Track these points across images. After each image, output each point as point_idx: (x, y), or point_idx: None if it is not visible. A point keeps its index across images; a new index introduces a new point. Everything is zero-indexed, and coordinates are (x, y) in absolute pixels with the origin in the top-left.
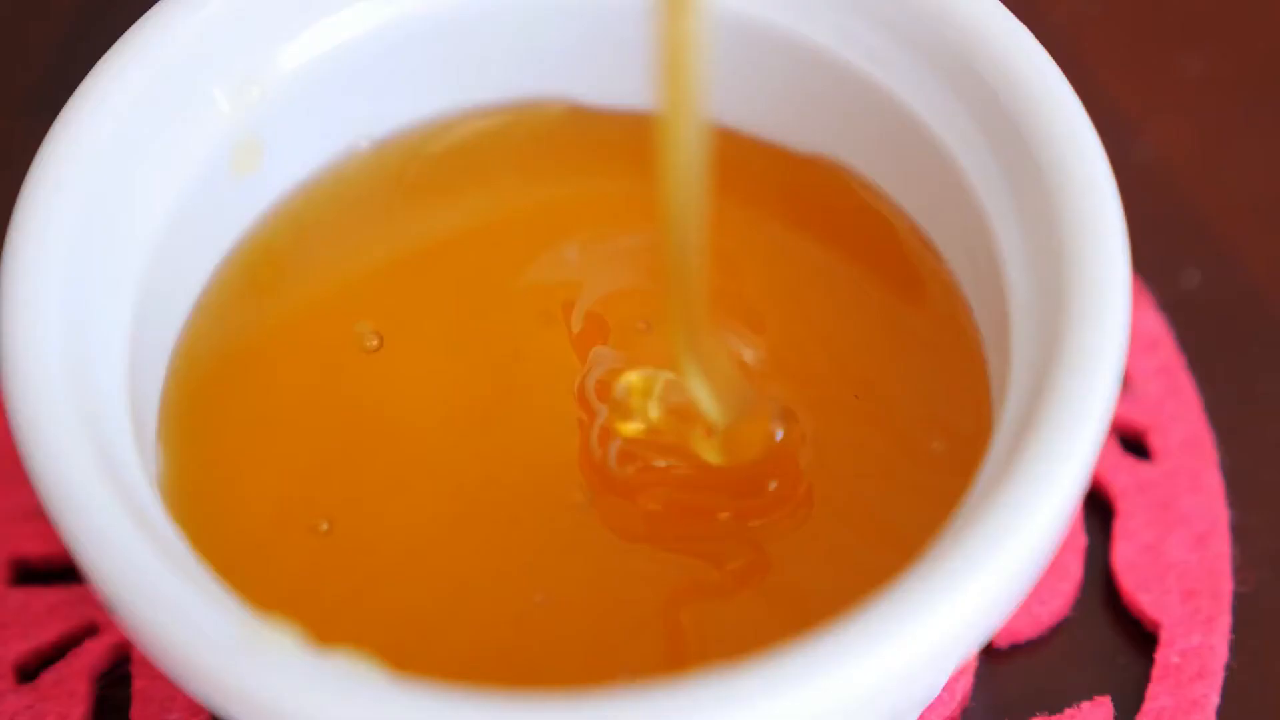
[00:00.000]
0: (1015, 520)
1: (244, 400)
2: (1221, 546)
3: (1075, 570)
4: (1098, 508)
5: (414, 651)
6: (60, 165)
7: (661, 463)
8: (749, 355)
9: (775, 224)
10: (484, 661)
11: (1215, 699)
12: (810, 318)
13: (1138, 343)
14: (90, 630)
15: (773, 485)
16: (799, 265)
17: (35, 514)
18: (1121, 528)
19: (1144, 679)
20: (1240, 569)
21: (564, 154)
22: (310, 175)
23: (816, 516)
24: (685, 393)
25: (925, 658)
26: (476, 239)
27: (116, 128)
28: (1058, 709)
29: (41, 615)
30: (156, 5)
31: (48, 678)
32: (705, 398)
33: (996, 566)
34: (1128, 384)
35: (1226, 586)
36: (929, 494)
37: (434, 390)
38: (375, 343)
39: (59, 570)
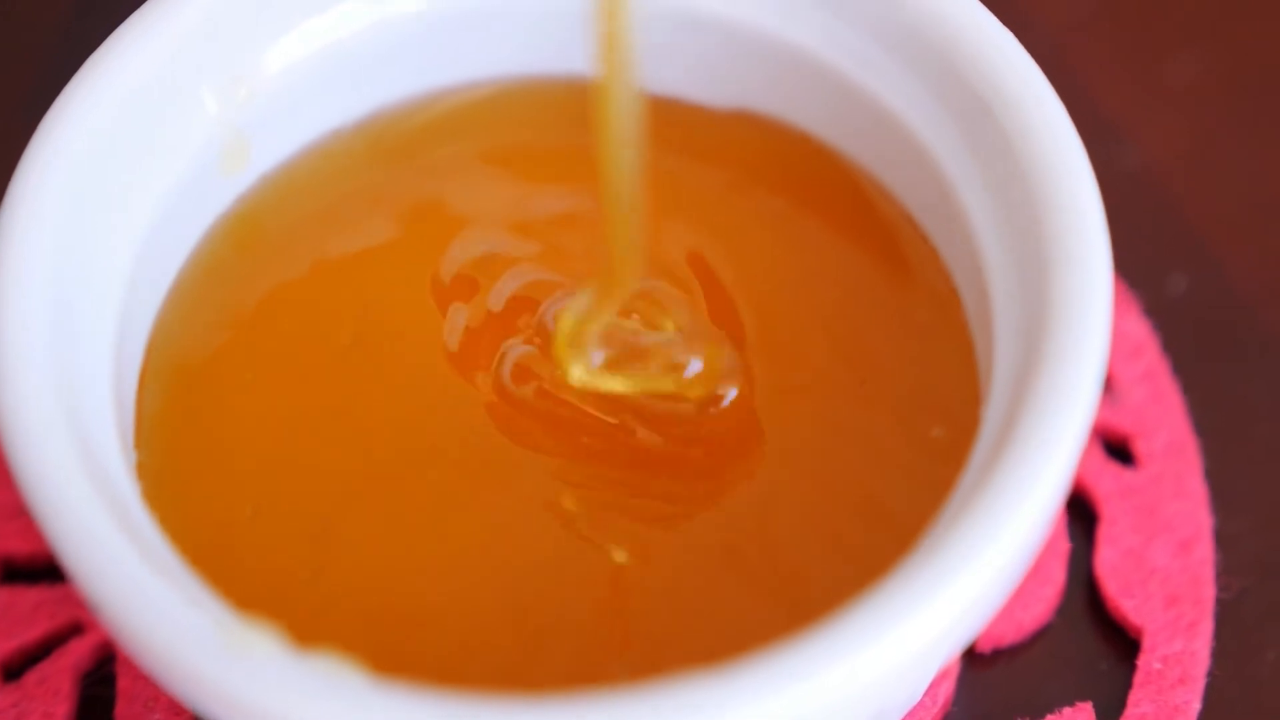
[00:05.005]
0: (995, 524)
1: (223, 382)
2: (1204, 553)
3: (1058, 576)
4: (1081, 513)
5: (394, 647)
6: (47, 163)
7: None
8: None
9: (777, 202)
10: (469, 655)
11: (1197, 705)
12: (809, 300)
13: (1122, 348)
14: (75, 629)
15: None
16: (797, 247)
17: (22, 512)
18: (1105, 533)
19: (1126, 685)
20: (1223, 575)
21: (544, 121)
22: (292, 154)
23: (815, 501)
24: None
25: (903, 663)
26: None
27: (104, 126)
28: (1039, 714)
29: (27, 613)
30: (145, 5)
31: (32, 676)
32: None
33: (975, 571)
34: (1112, 389)
35: (1209, 593)
36: (928, 480)
37: (419, 374)
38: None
39: (45, 569)
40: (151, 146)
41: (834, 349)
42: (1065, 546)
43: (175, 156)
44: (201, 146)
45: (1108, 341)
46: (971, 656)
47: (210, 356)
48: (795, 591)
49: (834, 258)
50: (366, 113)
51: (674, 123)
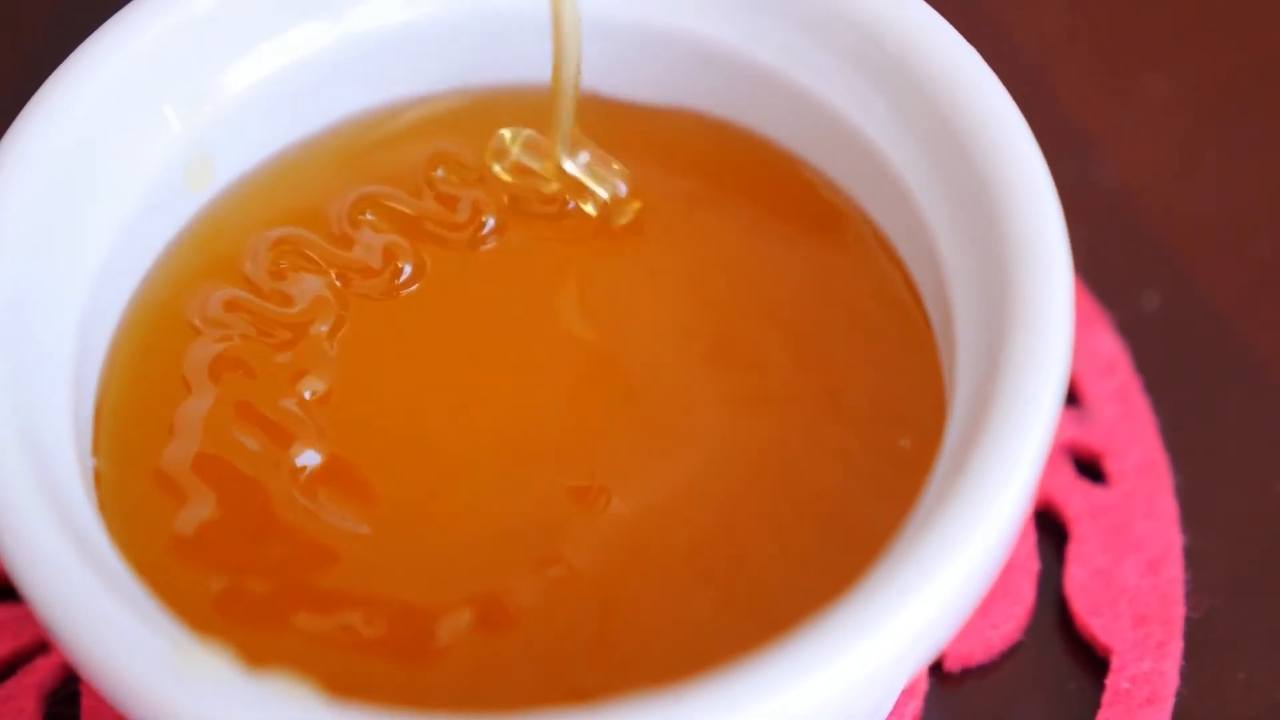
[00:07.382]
0: (958, 537)
1: (184, 391)
2: (1174, 572)
3: (1028, 594)
4: (1051, 531)
5: (348, 668)
6: (9, 180)
7: None
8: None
9: (740, 211)
10: (429, 673)
11: None
12: (775, 310)
13: (1095, 365)
14: (41, 647)
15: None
16: (761, 256)
17: None
18: (1075, 552)
19: (1094, 705)
20: (1193, 594)
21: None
22: (255, 168)
23: (782, 513)
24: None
25: (867, 677)
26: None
27: (66, 144)
28: None
29: None
30: (106, 23)
31: None
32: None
33: (938, 585)
34: (1084, 407)
35: (1179, 612)
36: (896, 492)
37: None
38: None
39: (10, 587)
40: (115, 164)
41: (800, 360)
42: (1035, 565)
43: (138, 174)
44: (165, 164)
45: (1069, 351)
46: (940, 675)
47: (171, 366)
48: (760, 604)
49: (798, 267)
50: (328, 126)
51: (632, 131)
